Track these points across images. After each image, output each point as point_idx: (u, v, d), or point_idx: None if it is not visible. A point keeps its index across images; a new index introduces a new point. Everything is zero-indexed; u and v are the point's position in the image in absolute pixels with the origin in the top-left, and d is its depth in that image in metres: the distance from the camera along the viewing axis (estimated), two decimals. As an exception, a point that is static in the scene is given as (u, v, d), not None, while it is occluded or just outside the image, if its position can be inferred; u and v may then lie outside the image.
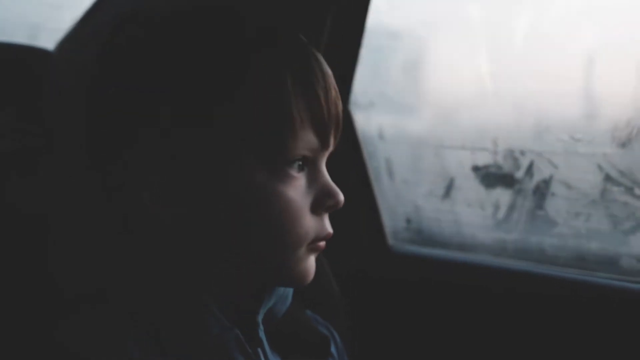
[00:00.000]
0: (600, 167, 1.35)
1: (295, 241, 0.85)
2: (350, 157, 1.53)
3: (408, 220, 1.62)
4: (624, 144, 1.32)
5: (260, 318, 0.89)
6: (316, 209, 0.86)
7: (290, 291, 0.93)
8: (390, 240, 1.57)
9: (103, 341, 0.80)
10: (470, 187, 1.51)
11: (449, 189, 1.56)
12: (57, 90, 0.96)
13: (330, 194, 0.86)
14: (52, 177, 0.91)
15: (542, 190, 1.43)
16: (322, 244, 0.88)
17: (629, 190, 1.33)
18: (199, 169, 0.82)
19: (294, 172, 0.84)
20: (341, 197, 0.87)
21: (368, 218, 1.55)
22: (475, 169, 1.51)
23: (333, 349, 1.00)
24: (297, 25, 0.94)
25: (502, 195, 1.48)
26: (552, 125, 1.40)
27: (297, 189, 0.84)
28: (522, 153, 1.44)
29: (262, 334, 0.88)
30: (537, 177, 1.43)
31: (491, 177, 1.49)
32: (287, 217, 0.84)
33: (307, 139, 0.84)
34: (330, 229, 0.88)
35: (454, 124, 1.55)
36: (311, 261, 0.88)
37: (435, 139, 1.57)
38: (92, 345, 0.79)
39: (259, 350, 0.88)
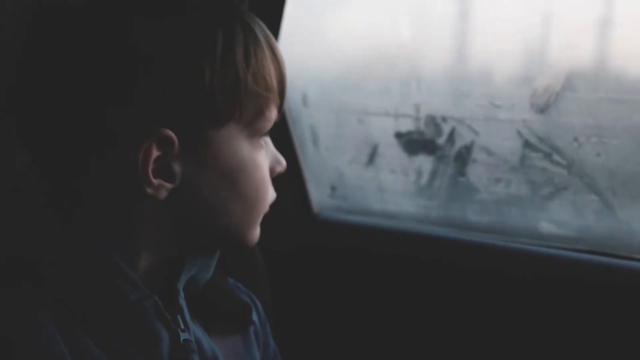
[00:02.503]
0: (519, 133, 1.37)
1: (264, 206, 0.89)
2: (275, 125, 1.52)
3: (333, 188, 1.62)
4: (542, 110, 1.34)
5: (180, 285, 0.88)
6: (270, 175, 0.90)
7: (213, 260, 0.93)
8: (315, 208, 1.58)
9: (10, 311, 0.79)
10: (393, 154, 1.52)
11: (372, 156, 1.57)
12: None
13: (279, 161, 0.91)
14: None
15: (463, 157, 1.44)
16: (268, 208, 0.91)
17: (548, 156, 1.35)
18: (197, 145, 0.82)
19: (262, 142, 0.88)
20: (285, 163, 0.92)
21: (293, 186, 1.55)
22: (398, 135, 1.51)
23: (255, 317, 1.00)
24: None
25: (425, 162, 1.49)
26: (473, 91, 1.41)
27: (264, 158, 0.88)
28: (444, 119, 1.45)
29: (182, 301, 0.88)
30: (459, 144, 1.44)
31: (413, 143, 1.50)
32: (262, 185, 0.87)
33: (274, 110, 0.87)
34: (274, 194, 0.92)
35: (377, 89, 1.55)
36: (259, 226, 0.91)
37: (359, 105, 1.57)
38: (6, 324, 0.78)
39: (179, 317, 0.87)
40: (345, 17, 1.56)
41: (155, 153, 0.80)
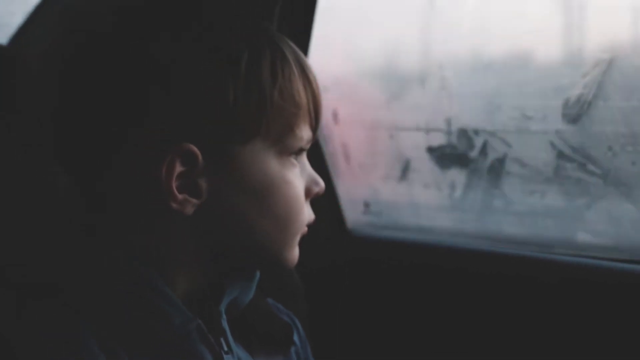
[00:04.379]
0: (553, 144, 1.37)
1: (299, 227, 0.88)
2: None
3: (366, 204, 1.62)
4: (575, 120, 1.33)
5: (223, 308, 0.88)
6: (306, 196, 0.89)
7: (254, 281, 0.93)
8: (350, 224, 1.58)
9: (59, 342, 0.79)
10: (426, 169, 1.52)
11: (405, 171, 1.57)
12: (18, 83, 0.95)
13: (317, 182, 0.90)
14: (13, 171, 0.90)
15: (496, 169, 1.44)
16: (306, 229, 0.90)
17: (582, 167, 1.35)
18: (222, 160, 0.83)
19: (294, 161, 0.87)
20: (323, 184, 0.91)
21: (326, 203, 1.56)
22: (430, 149, 1.51)
23: (296, 338, 1.00)
24: (252, 13, 0.94)
25: (458, 176, 1.49)
26: (504, 104, 1.41)
27: (298, 178, 0.87)
28: (476, 132, 1.45)
29: (225, 324, 0.88)
30: (492, 156, 1.44)
31: (446, 157, 1.50)
32: (296, 204, 0.86)
33: (305, 129, 0.86)
34: (313, 215, 0.91)
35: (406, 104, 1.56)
36: (297, 246, 0.90)
37: (389, 121, 1.57)
38: (45, 344, 0.78)
39: (222, 340, 0.88)
40: (374, 33, 1.57)
41: (179, 168, 0.81)
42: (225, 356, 0.86)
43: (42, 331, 0.79)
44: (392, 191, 1.59)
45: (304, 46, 1.45)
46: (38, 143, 0.86)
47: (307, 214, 0.90)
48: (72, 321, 0.80)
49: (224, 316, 0.89)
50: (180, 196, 0.81)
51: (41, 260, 0.85)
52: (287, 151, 0.86)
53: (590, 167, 1.33)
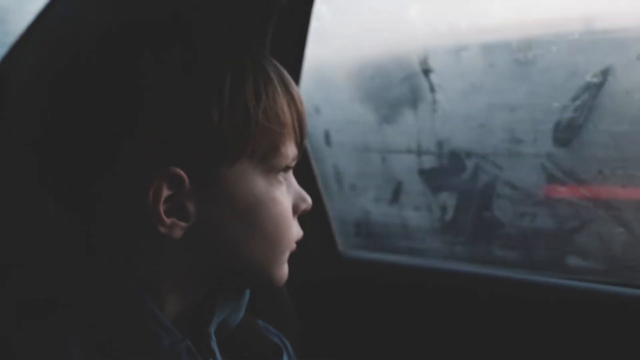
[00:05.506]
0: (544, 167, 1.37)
1: (288, 244, 0.89)
2: (298, 163, 1.53)
3: (357, 226, 1.62)
4: (566, 144, 1.34)
5: (212, 329, 0.88)
6: (293, 213, 0.90)
7: (244, 303, 0.93)
8: (341, 246, 1.58)
9: (49, 351, 0.79)
10: (417, 191, 1.52)
11: (396, 193, 1.57)
12: (5, 105, 0.95)
13: (304, 198, 0.91)
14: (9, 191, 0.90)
15: (487, 192, 1.44)
16: (294, 246, 0.91)
17: (572, 190, 1.35)
18: (209, 182, 0.83)
19: (281, 179, 0.87)
20: (310, 200, 0.91)
21: (317, 224, 1.56)
22: (421, 172, 1.52)
23: (285, 359, 1.00)
24: (239, 34, 0.94)
25: (449, 198, 1.49)
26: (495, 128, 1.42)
27: (285, 195, 0.88)
28: (467, 155, 1.45)
29: (214, 345, 0.88)
30: (482, 179, 1.44)
31: (437, 180, 1.50)
32: (283, 222, 0.87)
33: (291, 147, 0.87)
34: (301, 232, 0.91)
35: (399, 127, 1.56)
36: (286, 264, 0.90)
37: (380, 144, 1.58)
38: (38, 354, 0.78)
39: (210, 360, 0.87)
40: (365, 53, 1.57)
41: (165, 192, 0.81)
42: (213, 377, 0.86)
43: (33, 350, 0.79)
44: (384, 213, 1.59)
45: (297, 67, 1.46)
46: (27, 165, 0.86)
47: (295, 231, 0.90)
48: (63, 340, 0.80)
49: (214, 337, 0.89)
50: (168, 220, 0.81)
51: (34, 280, 0.85)
52: (274, 169, 0.86)
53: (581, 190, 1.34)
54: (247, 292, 0.93)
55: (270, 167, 0.85)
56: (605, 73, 1.27)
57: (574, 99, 1.31)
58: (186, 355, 0.84)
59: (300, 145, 0.89)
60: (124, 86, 0.81)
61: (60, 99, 0.83)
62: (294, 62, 1.44)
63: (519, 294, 1.35)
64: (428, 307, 1.43)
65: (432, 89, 1.48)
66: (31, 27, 0.90)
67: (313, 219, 1.54)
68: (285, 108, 0.86)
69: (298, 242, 0.92)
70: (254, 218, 0.85)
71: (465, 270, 1.44)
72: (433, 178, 1.51)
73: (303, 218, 0.93)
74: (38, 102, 0.85)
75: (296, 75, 1.45)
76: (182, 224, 0.82)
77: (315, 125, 1.59)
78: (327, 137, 1.61)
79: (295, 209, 0.90)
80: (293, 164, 0.89)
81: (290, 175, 0.90)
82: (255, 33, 1.29)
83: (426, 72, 1.48)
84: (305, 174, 1.53)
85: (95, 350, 0.81)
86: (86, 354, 0.80)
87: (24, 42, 0.89)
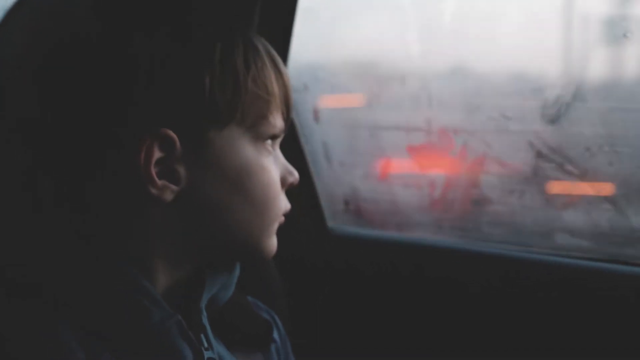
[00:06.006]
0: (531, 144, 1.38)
1: (276, 214, 0.90)
2: (286, 140, 1.53)
3: (346, 202, 1.63)
4: (554, 121, 1.34)
5: (203, 304, 0.89)
6: (281, 186, 0.90)
7: (234, 278, 0.93)
8: (329, 223, 1.58)
9: (36, 334, 0.79)
10: (405, 167, 1.53)
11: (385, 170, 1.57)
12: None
13: (291, 172, 0.92)
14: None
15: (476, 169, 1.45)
16: (283, 218, 0.92)
17: (560, 167, 1.36)
18: (200, 146, 0.84)
19: (269, 148, 0.89)
20: (297, 174, 0.93)
21: (306, 201, 1.56)
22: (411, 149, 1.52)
23: (275, 335, 1.01)
24: (228, 11, 0.94)
25: (438, 175, 1.50)
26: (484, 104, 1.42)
27: (273, 165, 0.89)
28: (456, 132, 1.46)
29: (205, 320, 0.89)
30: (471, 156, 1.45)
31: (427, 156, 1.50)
32: (271, 190, 0.88)
33: (278, 117, 0.88)
34: (289, 204, 0.92)
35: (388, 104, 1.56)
36: (275, 236, 0.91)
37: (370, 121, 1.58)
38: (24, 339, 0.79)
39: (202, 336, 0.88)
40: (355, 32, 1.57)
41: (157, 154, 0.82)
42: (205, 352, 0.86)
43: (21, 329, 0.79)
44: (372, 189, 1.60)
45: (285, 46, 1.46)
46: (17, 145, 0.85)
47: (283, 203, 0.91)
48: (51, 319, 0.80)
49: (204, 313, 0.89)
50: (159, 182, 0.82)
51: (22, 259, 0.84)
52: (262, 137, 0.87)
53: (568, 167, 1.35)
54: (237, 269, 0.94)
55: (258, 134, 0.87)
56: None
57: None
58: (177, 330, 0.84)
59: (286, 119, 0.90)
60: (118, 57, 0.82)
61: (50, 73, 0.83)
62: (282, 41, 1.45)
63: (512, 270, 1.36)
64: (418, 283, 1.44)
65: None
66: (14, 7, 0.89)
67: (302, 195, 1.54)
68: (273, 79, 0.88)
69: (287, 218, 0.93)
70: (243, 184, 0.86)
71: (454, 246, 1.45)
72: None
73: (292, 195, 0.93)
74: (27, 77, 0.85)
75: (284, 54, 1.45)
76: (173, 186, 0.83)
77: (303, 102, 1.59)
78: (315, 114, 1.61)
79: (282, 181, 0.91)
80: (280, 134, 0.91)
81: (277, 149, 0.92)
82: (243, 11, 1.29)
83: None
84: (293, 151, 1.53)
85: (85, 330, 0.81)
86: (76, 331, 0.80)
87: (7, 22, 0.89)
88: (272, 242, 0.91)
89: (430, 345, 1.42)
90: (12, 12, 0.90)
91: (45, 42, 0.85)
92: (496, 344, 1.35)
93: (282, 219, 0.92)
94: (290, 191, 0.94)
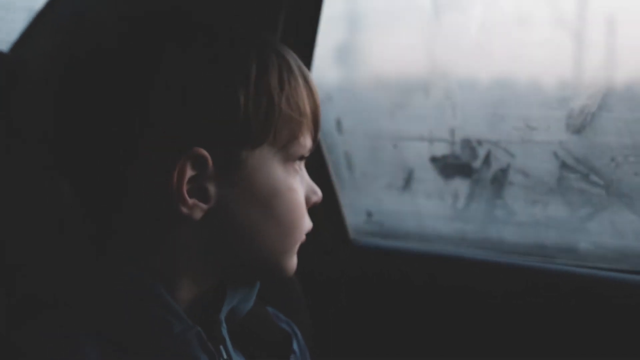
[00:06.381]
0: (556, 155, 1.37)
1: (300, 235, 0.90)
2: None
3: (369, 214, 1.62)
4: (579, 131, 1.33)
5: (223, 316, 0.89)
6: (305, 205, 0.90)
7: (255, 290, 0.93)
8: (352, 234, 1.58)
9: (59, 346, 0.79)
10: (429, 178, 1.52)
11: (408, 180, 1.57)
12: (20, 91, 0.94)
13: (315, 191, 0.92)
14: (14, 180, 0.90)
15: (500, 180, 1.44)
16: (304, 237, 0.92)
17: (585, 177, 1.35)
18: (231, 166, 0.84)
19: (297, 168, 0.89)
20: (321, 194, 0.92)
21: (329, 212, 1.56)
22: (434, 159, 1.51)
23: (295, 346, 1.00)
24: (251, 23, 0.94)
25: (461, 186, 1.49)
26: (508, 114, 1.41)
27: (300, 185, 0.89)
28: (479, 143, 1.45)
29: (224, 332, 0.89)
30: (495, 167, 1.44)
31: (449, 167, 1.50)
32: (298, 211, 0.88)
33: (308, 137, 0.88)
34: (311, 224, 0.92)
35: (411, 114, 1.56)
36: (296, 255, 0.91)
37: (393, 131, 1.57)
38: (48, 351, 0.79)
39: (222, 347, 0.88)
40: (378, 43, 1.57)
41: (189, 172, 0.81)
42: (224, 364, 0.86)
43: (43, 342, 0.79)
44: (395, 200, 1.59)
45: (308, 56, 1.46)
46: (41, 155, 0.86)
47: (307, 223, 0.91)
48: (72, 331, 0.80)
49: (224, 324, 0.89)
50: (190, 201, 0.82)
51: (43, 271, 0.85)
52: (291, 158, 0.87)
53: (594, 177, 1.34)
54: (258, 282, 0.94)
55: (289, 155, 0.87)
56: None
57: None
58: (197, 341, 0.84)
59: (315, 138, 0.90)
60: (148, 71, 0.81)
61: (82, 83, 0.83)
62: (306, 51, 1.45)
63: (533, 281, 1.35)
64: (442, 295, 1.43)
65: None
66: (44, 10, 0.89)
67: (325, 208, 1.53)
68: (305, 98, 0.87)
69: (310, 231, 0.93)
70: (271, 204, 0.86)
71: (478, 258, 1.44)
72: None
73: (314, 207, 0.93)
74: (54, 89, 0.85)
75: (308, 63, 1.45)
76: (203, 205, 0.83)
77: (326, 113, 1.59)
78: (338, 125, 1.61)
79: (307, 200, 0.91)
80: (307, 155, 0.90)
81: (303, 168, 0.91)
82: (267, 20, 1.29)
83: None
84: (317, 163, 1.53)
85: (106, 339, 0.81)
86: (97, 344, 0.80)
87: (37, 27, 0.89)
88: (293, 261, 0.91)
89: (453, 355, 1.40)
90: (40, 15, 0.90)
91: (75, 49, 0.85)
92: (517, 349, 1.34)
93: (304, 238, 0.92)
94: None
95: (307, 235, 0.92)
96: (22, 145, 0.90)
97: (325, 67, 1.54)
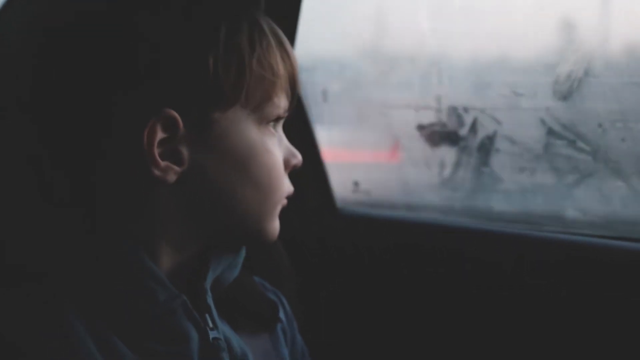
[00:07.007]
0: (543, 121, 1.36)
1: (279, 197, 0.89)
2: (295, 120, 1.52)
3: (355, 183, 1.62)
4: (566, 97, 1.33)
5: (208, 284, 0.89)
6: (284, 168, 0.90)
7: (240, 259, 0.93)
8: (339, 203, 1.58)
9: (42, 322, 0.79)
10: (415, 147, 1.52)
11: (394, 149, 1.56)
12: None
13: (294, 154, 0.91)
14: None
15: (486, 147, 1.43)
16: (285, 201, 0.91)
17: (572, 144, 1.34)
18: (203, 127, 0.83)
19: (273, 131, 0.88)
20: (300, 157, 0.92)
21: (315, 181, 1.55)
22: (420, 127, 1.51)
23: (282, 315, 1.00)
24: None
25: (448, 154, 1.49)
26: (494, 81, 1.41)
27: (277, 147, 0.89)
28: (466, 110, 1.45)
29: (210, 301, 0.88)
30: (481, 134, 1.44)
31: (436, 135, 1.49)
32: (275, 173, 0.88)
33: (283, 98, 0.88)
34: (292, 187, 0.92)
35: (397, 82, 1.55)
36: (277, 219, 0.91)
37: (379, 99, 1.57)
38: (29, 328, 0.79)
39: (207, 316, 0.88)
40: (363, 9, 1.56)
41: (160, 134, 0.81)
42: (210, 332, 0.86)
43: (26, 316, 0.79)
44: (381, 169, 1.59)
45: (292, 26, 1.45)
46: (19, 132, 0.85)
47: (286, 185, 0.91)
48: (57, 305, 0.80)
49: (209, 293, 0.89)
50: (162, 163, 0.82)
51: (25, 246, 0.84)
52: (266, 119, 0.87)
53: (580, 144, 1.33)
54: (243, 249, 0.93)
55: (263, 116, 0.86)
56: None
57: None
58: (182, 310, 0.84)
59: (291, 99, 0.90)
60: (125, 35, 0.81)
61: (53, 53, 0.83)
62: (289, 21, 1.44)
63: (520, 248, 1.35)
64: (428, 264, 1.43)
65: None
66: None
67: (311, 176, 1.53)
68: (279, 60, 0.87)
69: (295, 199, 0.92)
70: (247, 166, 0.86)
71: (465, 226, 1.44)
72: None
73: (300, 175, 0.93)
74: (29, 57, 0.84)
75: (291, 34, 1.44)
76: (176, 168, 0.83)
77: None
78: (324, 93, 1.61)
79: (285, 163, 0.90)
80: (284, 115, 0.90)
81: (281, 130, 0.91)
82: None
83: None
84: (302, 132, 1.52)
85: (91, 314, 0.81)
86: (82, 315, 0.80)
87: (11, 1, 0.89)
88: (275, 225, 0.91)
89: (439, 324, 1.41)
90: None
91: (47, 22, 0.85)
92: (504, 322, 1.34)
93: (285, 201, 0.91)
94: (299, 172, 0.94)
95: (292, 202, 0.92)
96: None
97: (310, 37, 1.53)
